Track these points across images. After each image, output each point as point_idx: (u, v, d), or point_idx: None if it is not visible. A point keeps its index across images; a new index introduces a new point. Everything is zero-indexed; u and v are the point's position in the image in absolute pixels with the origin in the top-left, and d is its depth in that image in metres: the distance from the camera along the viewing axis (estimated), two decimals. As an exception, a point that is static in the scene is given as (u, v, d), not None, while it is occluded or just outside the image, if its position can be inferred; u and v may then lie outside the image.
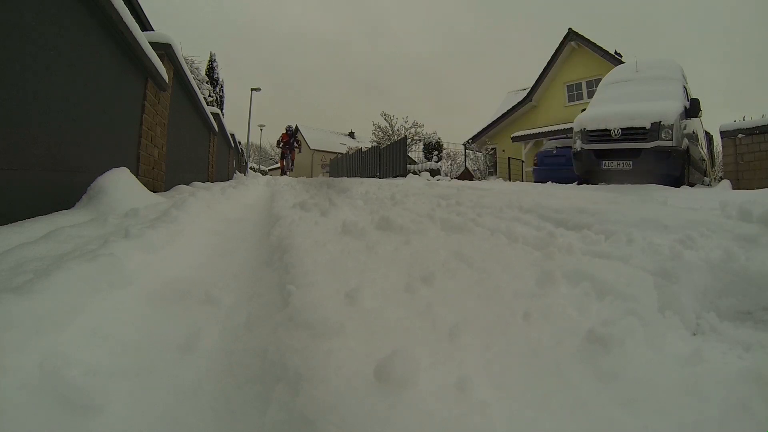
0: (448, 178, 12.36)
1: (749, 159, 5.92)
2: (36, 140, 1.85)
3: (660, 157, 5.07)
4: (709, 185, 6.95)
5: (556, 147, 10.07)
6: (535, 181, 9.26)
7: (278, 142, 15.42)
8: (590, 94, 12.53)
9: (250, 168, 21.21)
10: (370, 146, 18.30)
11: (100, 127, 2.57)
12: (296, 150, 15.56)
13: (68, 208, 2.12)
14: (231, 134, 10.50)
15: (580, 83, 15.50)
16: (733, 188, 5.45)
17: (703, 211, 2.15)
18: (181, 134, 4.85)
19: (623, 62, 10.61)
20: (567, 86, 15.94)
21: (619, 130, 5.32)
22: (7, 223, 1.60)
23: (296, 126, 16.75)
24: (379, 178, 10.53)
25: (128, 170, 2.64)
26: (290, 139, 15.31)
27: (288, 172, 15.01)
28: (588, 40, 15.05)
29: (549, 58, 16.08)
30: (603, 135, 5.49)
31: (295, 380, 0.63)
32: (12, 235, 1.46)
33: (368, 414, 0.54)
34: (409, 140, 15.85)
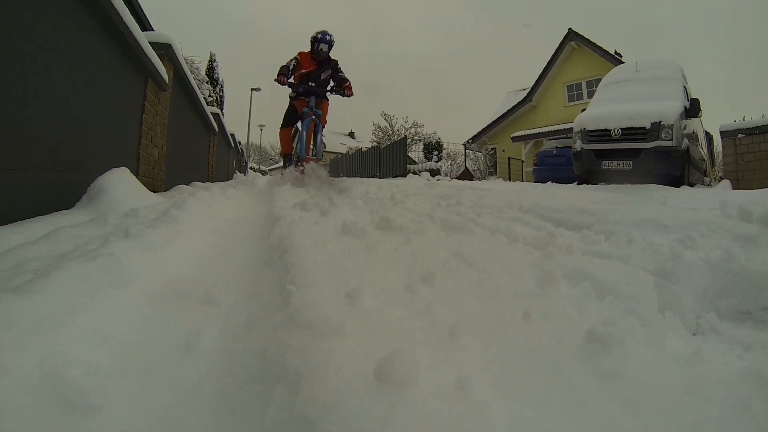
0: (448, 178, 12.36)
1: (749, 159, 5.92)
2: (36, 140, 1.85)
3: (660, 157, 5.06)
4: (709, 185, 6.94)
5: (556, 147, 10.06)
6: (535, 181, 9.25)
7: (283, 73, 4.42)
8: (590, 94, 12.52)
9: (250, 168, 21.23)
10: (370, 146, 18.29)
11: (100, 127, 2.57)
12: (345, 95, 4.65)
13: (68, 208, 2.12)
14: (231, 134, 10.52)
15: (580, 83, 15.50)
16: (733, 188, 5.45)
17: (703, 211, 2.15)
18: (181, 134, 4.85)
19: (623, 62, 10.60)
20: (567, 86, 15.93)
21: (619, 130, 5.32)
22: (7, 223, 1.60)
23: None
24: (379, 178, 10.51)
25: (128, 170, 2.64)
26: (318, 70, 4.66)
27: (303, 165, 4.37)
28: (588, 40, 15.04)
29: (549, 58, 16.08)
30: (603, 135, 5.49)
31: (295, 380, 0.63)
32: (12, 235, 1.46)
33: (368, 414, 0.54)
34: (409, 140, 15.83)
